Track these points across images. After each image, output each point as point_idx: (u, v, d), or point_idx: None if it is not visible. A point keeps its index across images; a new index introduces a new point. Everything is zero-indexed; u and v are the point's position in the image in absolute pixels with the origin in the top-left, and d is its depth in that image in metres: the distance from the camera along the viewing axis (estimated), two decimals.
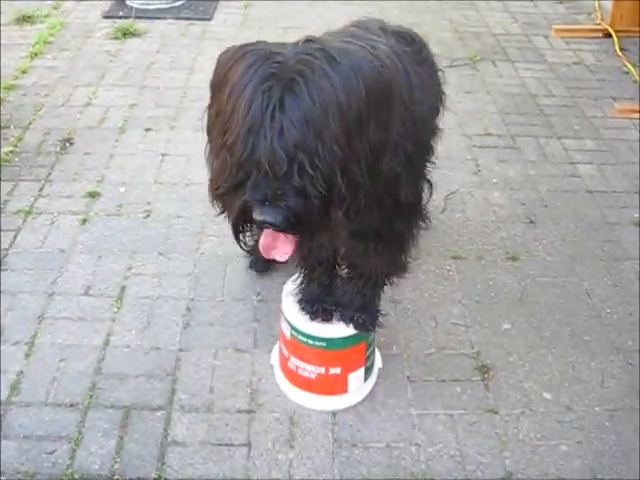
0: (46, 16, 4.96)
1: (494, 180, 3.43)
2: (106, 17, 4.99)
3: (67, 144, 3.59)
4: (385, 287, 2.35)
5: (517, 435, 2.26)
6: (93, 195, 3.23)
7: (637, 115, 3.95)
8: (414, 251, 2.26)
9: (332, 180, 1.53)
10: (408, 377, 2.44)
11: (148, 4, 5.12)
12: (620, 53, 4.63)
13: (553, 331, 2.63)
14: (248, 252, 2.68)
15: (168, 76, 4.26)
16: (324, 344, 2.21)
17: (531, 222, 3.17)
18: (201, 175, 3.35)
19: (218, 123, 1.61)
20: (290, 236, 1.64)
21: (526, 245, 3.03)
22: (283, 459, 2.17)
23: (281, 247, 1.66)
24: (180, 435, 2.22)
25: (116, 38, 4.69)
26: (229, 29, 4.89)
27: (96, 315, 2.63)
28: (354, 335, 2.22)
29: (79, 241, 2.98)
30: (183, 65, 4.38)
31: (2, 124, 3.71)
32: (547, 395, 2.39)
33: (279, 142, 1.47)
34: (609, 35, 4.81)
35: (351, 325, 2.21)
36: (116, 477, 2.10)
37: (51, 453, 2.16)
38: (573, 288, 2.82)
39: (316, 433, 2.25)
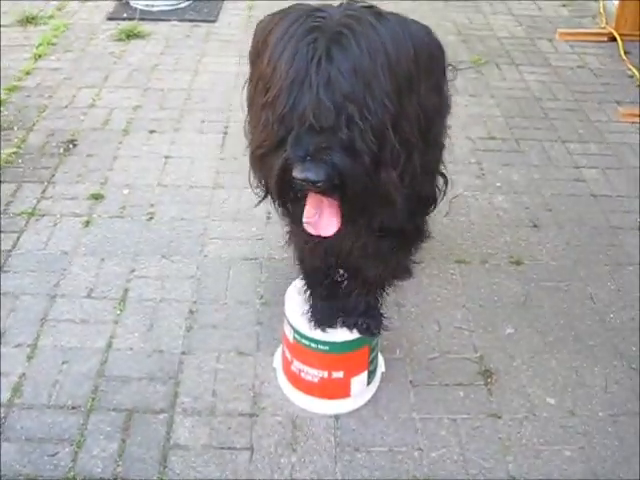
0: (50, 17, 4.96)
1: (498, 184, 3.43)
2: (110, 19, 4.99)
3: (70, 146, 3.59)
4: (389, 291, 2.33)
5: (520, 440, 2.25)
6: (96, 197, 3.23)
7: None
8: (418, 255, 2.25)
9: (383, 134, 1.43)
10: (411, 381, 2.43)
11: (152, 6, 5.11)
12: (624, 57, 4.62)
13: (557, 336, 2.63)
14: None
15: (172, 78, 4.24)
16: (327, 348, 2.20)
17: (535, 226, 3.16)
18: (205, 177, 3.42)
19: (259, 89, 1.51)
20: (335, 207, 1.54)
21: (530, 249, 3.03)
22: (285, 463, 2.16)
23: (327, 219, 1.55)
24: (182, 438, 2.22)
25: (120, 40, 4.69)
26: (233, 31, 4.89)
27: (99, 317, 2.63)
28: (357, 339, 2.21)
29: (82, 243, 2.97)
30: (187, 67, 4.37)
31: (5, 125, 3.71)
32: (550, 400, 2.39)
33: (326, 92, 1.38)
34: (614, 39, 4.80)
35: (355, 330, 2.19)
36: None
37: (53, 456, 2.15)
38: (577, 292, 2.82)
39: (319, 437, 2.24)
